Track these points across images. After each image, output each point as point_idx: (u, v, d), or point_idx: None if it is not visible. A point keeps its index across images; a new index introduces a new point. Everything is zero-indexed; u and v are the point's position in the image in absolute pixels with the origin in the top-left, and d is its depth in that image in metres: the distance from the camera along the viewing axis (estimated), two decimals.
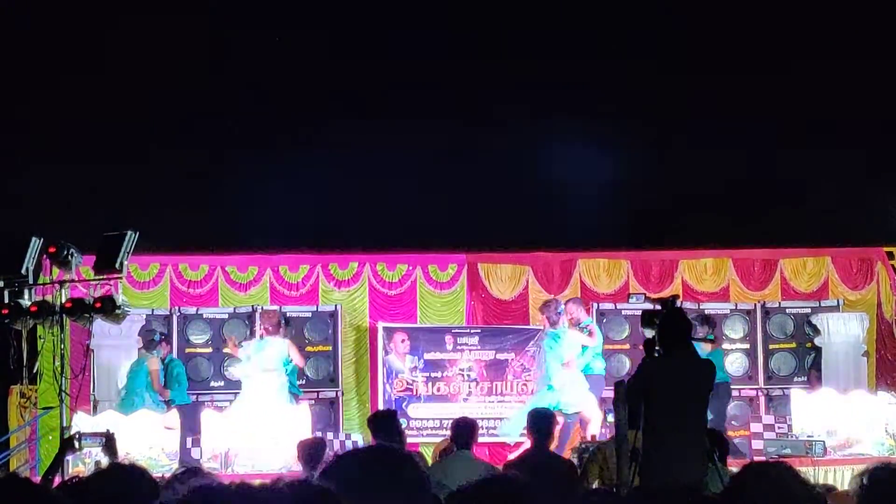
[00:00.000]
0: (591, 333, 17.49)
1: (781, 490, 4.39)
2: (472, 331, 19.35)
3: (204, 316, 19.07)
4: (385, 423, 11.57)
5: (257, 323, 18.70)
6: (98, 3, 20.05)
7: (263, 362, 17.05)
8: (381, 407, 18.20)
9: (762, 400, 19.23)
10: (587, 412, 16.82)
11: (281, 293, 19.56)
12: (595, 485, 10.81)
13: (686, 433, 9.73)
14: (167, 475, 10.91)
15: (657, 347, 10.11)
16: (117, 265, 13.34)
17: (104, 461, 10.00)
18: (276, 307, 18.63)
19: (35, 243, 13.47)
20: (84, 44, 19.86)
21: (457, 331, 19.31)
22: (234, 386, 18.51)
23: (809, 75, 20.37)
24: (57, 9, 19.95)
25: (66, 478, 9.66)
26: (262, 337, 17.38)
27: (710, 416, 16.50)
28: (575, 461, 13.21)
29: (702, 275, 20.10)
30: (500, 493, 3.86)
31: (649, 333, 10.32)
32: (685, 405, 9.87)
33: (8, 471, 16.58)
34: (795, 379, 19.15)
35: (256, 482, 3.37)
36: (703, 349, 17.12)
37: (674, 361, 10.04)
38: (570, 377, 16.93)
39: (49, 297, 13.46)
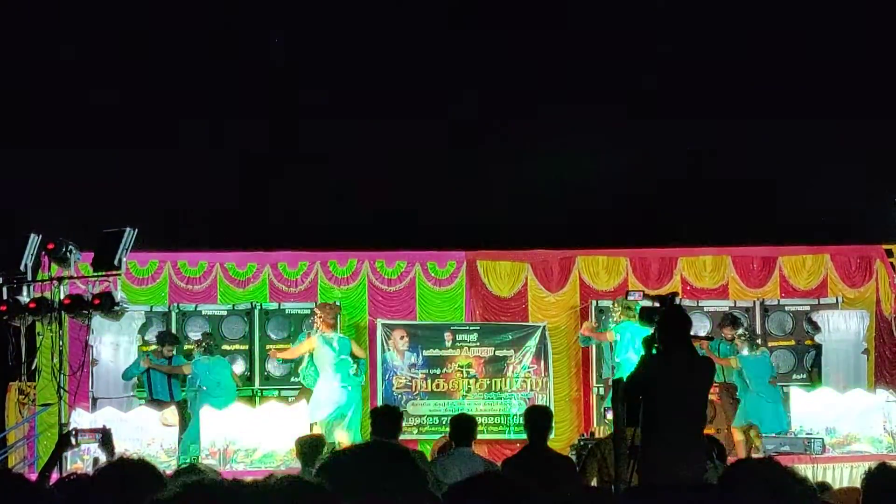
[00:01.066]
0: None
1: (772, 486, 4.38)
2: (472, 328, 19.35)
3: (203, 313, 19.05)
4: (385, 418, 11.53)
5: (256, 320, 18.74)
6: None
7: (349, 356, 17.03)
8: (380, 403, 18.19)
9: None
10: None
11: (280, 290, 19.55)
12: (594, 482, 10.80)
13: (685, 431, 9.70)
14: (167, 472, 10.92)
15: (656, 344, 10.08)
16: (116, 262, 13.34)
17: (102, 457, 10.01)
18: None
19: (34, 240, 13.48)
20: (83, 38, 19.84)
21: (456, 328, 19.31)
22: None
23: (806, 73, 20.36)
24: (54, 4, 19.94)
25: (65, 474, 9.66)
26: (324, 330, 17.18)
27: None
28: (573, 458, 13.23)
29: (701, 272, 20.09)
30: (493, 489, 3.85)
31: (648, 330, 10.30)
32: (684, 403, 9.84)
33: (4, 467, 16.60)
34: (794, 376, 19.15)
35: (249, 479, 3.36)
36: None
37: (673, 359, 10.00)
38: None
39: (48, 294, 13.46)
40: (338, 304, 18.41)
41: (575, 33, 20.64)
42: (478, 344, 19.16)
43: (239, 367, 18.62)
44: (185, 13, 20.22)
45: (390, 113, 20.40)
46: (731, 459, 12.84)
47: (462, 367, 19.14)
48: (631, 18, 20.68)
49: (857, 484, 6.35)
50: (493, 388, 19.12)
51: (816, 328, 19.09)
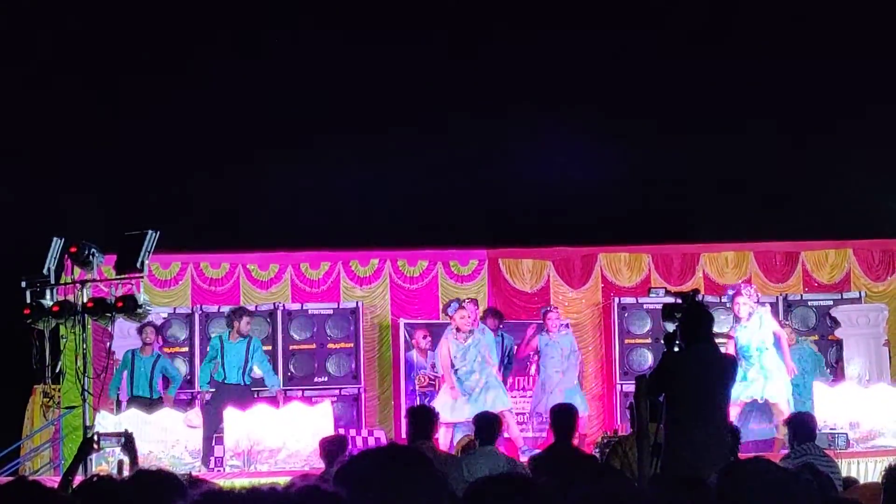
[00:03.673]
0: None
1: (767, 484, 4.37)
2: None
3: (225, 314, 19.07)
4: (419, 418, 11.53)
5: (279, 320, 18.76)
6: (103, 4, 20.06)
7: None
8: (403, 403, 18.24)
9: None
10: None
11: (302, 290, 19.60)
12: None
13: (708, 427, 9.72)
14: (193, 473, 10.96)
15: (678, 341, 10.09)
16: (138, 264, 13.37)
17: (126, 460, 10.06)
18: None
19: (56, 244, 13.52)
20: (100, 44, 19.89)
21: None
22: (256, 384, 18.41)
23: (830, 67, 20.29)
24: (69, 9, 19.97)
25: (89, 475, 9.70)
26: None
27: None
28: (598, 455, 13.23)
29: (723, 268, 20.08)
30: (512, 489, 3.86)
31: (670, 327, 10.30)
32: (706, 399, 9.86)
33: (32, 470, 16.68)
34: (818, 372, 19.07)
35: (266, 486, 3.36)
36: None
37: (695, 355, 10.03)
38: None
39: (71, 297, 13.49)
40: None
41: (582, 29, 20.59)
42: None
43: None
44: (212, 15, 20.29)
45: (409, 112, 20.40)
46: None
47: None
48: (647, 16, 20.66)
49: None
50: (517, 386, 19.08)
51: (837, 323, 19.04)
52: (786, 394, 16.76)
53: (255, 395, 17.26)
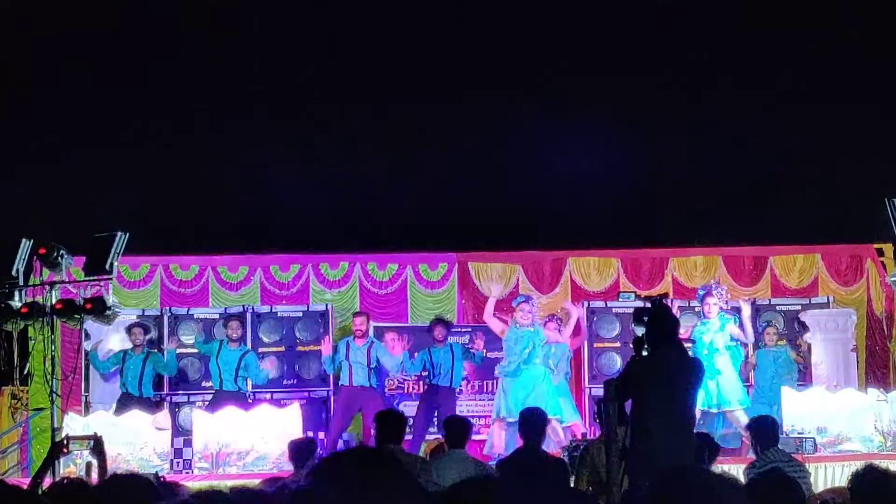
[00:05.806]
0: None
1: (701, 489, 4.40)
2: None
3: (195, 316, 19.03)
4: (388, 422, 11.52)
5: (248, 323, 18.73)
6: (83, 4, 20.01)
7: None
8: None
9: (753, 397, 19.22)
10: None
11: (272, 293, 19.57)
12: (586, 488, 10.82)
13: (674, 431, 9.74)
14: (163, 476, 10.93)
15: (645, 345, 10.12)
16: (107, 266, 13.37)
17: (95, 463, 10.04)
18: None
19: (25, 245, 13.50)
20: (75, 43, 19.83)
21: None
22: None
23: (798, 73, 20.39)
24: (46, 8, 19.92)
25: (58, 478, 9.68)
26: None
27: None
28: (566, 459, 13.25)
29: (692, 272, 20.12)
30: (481, 491, 3.87)
31: (640, 331, 10.33)
32: (672, 403, 9.88)
33: (0, 471, 16.62)
34: (788, 378, 19.13)
35: (253, 486, 3.37)
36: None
37: (661, 359, 10.04)
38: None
39: (39, 299, 13.47)
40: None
41: (562, 33, 20.63)
42: (469, 345, 19.10)
43: None
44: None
45: (380, 115, 20.40)
46: None
47: None
48: (625, 17, 20.70)
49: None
50: (485, 390, 19.11)
51: (805, 328, 19.13)
52: (739, 396, 16.99)
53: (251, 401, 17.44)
